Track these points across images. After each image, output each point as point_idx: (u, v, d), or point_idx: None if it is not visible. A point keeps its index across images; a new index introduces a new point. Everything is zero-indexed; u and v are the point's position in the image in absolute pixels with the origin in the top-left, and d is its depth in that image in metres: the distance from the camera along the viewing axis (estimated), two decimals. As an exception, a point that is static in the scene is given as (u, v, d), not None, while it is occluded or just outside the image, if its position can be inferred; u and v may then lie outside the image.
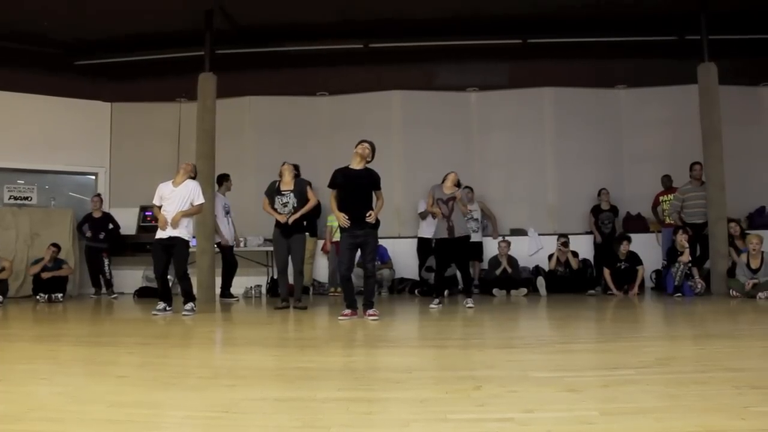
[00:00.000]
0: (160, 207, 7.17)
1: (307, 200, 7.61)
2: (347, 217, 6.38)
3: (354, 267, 6.65)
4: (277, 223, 7.53)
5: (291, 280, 7.78)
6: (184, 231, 7.10)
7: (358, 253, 6.58)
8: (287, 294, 7.67)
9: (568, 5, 9.49)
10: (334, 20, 9.93)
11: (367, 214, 6.38)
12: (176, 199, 7.11)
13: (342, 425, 2.43)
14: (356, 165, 6.53)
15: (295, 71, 11.24)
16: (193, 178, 7.37)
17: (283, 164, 7.70)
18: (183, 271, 7.12)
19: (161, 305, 7.07)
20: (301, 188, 7.60)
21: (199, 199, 7.22)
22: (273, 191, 7.58)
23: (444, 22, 10.04)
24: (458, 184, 7.62)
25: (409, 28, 10.18)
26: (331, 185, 6.59)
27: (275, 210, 7.53)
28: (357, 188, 6.45)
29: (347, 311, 6.36)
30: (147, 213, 11.04)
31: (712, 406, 2.56)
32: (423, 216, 10.06)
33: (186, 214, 7.08)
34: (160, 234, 7.09)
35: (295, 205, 7.50)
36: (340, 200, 6.51)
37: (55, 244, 9.61)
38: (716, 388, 2.88)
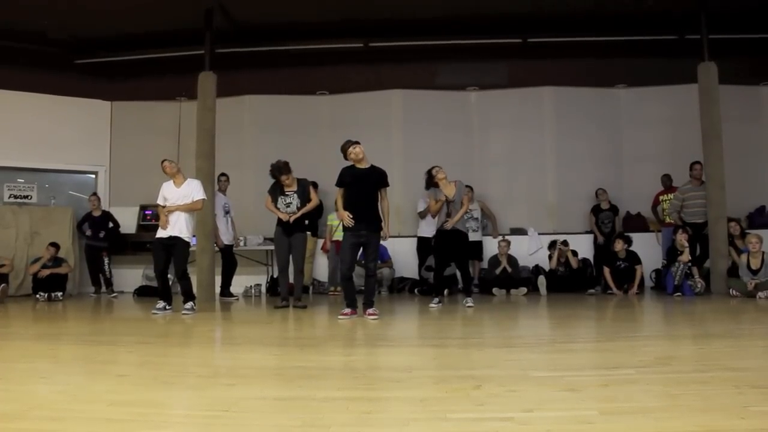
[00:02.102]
0: (164, 207, 7.18)
1: (309, 200, 7.62)
2: (351, 216, 6.40)
3: (355, 266, 6.66)
4: (279, 222, 7.54)
5: (291, 279, 7.79)
6: (184, 231, 7.11)
7: (359, 252, 6.60)
8: (287, 293, 7.67)
9: (567, 4, 9.49)
10: (334, 19, 9.93)
11: (383, 236, 6.59)
12: (180, 199, 7.16)
13: (342, 424, 2.43)
14: (360, 165, 6.55)
15: (295, 70, 11.24)
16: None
17: (283, 175, 7.51)
18: (183, 270, 7.13)
19: (161, 304, 7.07)
20: (303, 188, 7.62)
21: (199, 195, 7.23)
22: (276, 190, 7.59)
23: (444, 21, 10.04)
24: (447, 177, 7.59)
25: (409, 28, 10.17)
26: (339, 183, 6.60)
27: (278, 209, 7.54)
28: (363, 188, 6.49)
29: (347, 310, 6.36)
30: (147, 212, 11.04)
31: (712, 406, 2.56)
32: (422, 215, 10.07)
33: (181, 208, 7.08)
34: (161, 233, 7.10)
35: (299, 205, 7.51)
36: (346, 199, 6.53)
37: (53, 244, 9.60)
38: (716, 388, 2.88)
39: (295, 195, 7.54)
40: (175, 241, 7.05)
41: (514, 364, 3.72)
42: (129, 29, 10.17)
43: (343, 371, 3.66)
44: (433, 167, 7.59)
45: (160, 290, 7.24)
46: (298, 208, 7.50)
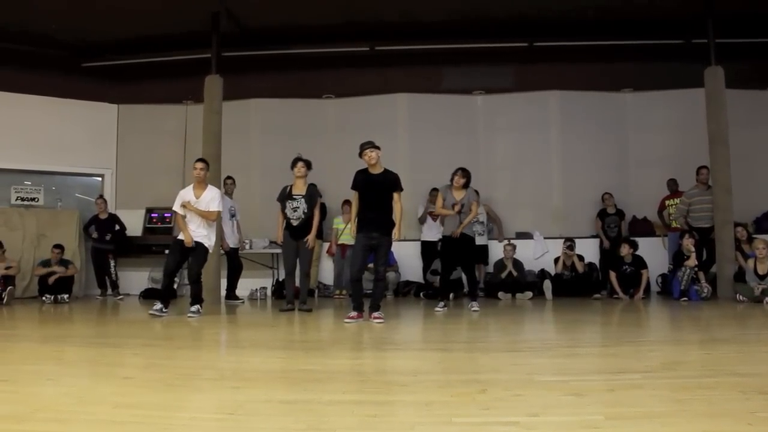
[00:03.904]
0: (184, 216, 7.13)
1: (315, 204, 7.64)
2: (363, 219, 6.45)
3: (365, 269, 6.67)
4: (288, 225, 7.54)
5: (296, 282, 7.81)
6: (205, 239, 7.14)
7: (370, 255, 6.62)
8: (293, 296, 7.68)
9: (574, 8, 9.48)
10: (340, 23, 9.95)
11: (395, 236, 6.57)
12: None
13: (347, 428, 2.43)
14: (373, 170, 6.55)
15: (301, 74, 11.27)
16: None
17: (299, 162, 7.61)
18: (197, 274, 7.15)
19: (158, 306, 6.98)
20: (311, 196, 7.63)
21: (213, 207, 7.19)
22: (285, 196, 7.60)
23: (450, 24, 10.04)
24: (466, 185, 7.58)
25: (415, 31, 10.19)
26: (354, 187, 6.60)
27: (285, 215, 7.55)
28: (376, 192, 6.50)
29: (353, 314, 6.34)
30: (153, 215, 11.07)
31: (719, 412, 2.55)
32: (422, 220, 10.12)
33: (195, 211, 7.07)
34: (183, 236, 7.10)
35: (305, 210, 7.53)
36: (360, 202, 6.56)
37: (57, 246, 9.62)
38: (723, 393, 2.87)
39: (303, 199, 7.54)
40: (195, 245, 7.08)
41: (520, 368, 3.71)
42: (136, 32, 10.23)
43: (348, 375, 3.66)
44: (459, 168, 7.60)
45: (163, 290, 7.21)
46: (305, 213, 7.52)
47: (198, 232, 7.10)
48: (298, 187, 7.61)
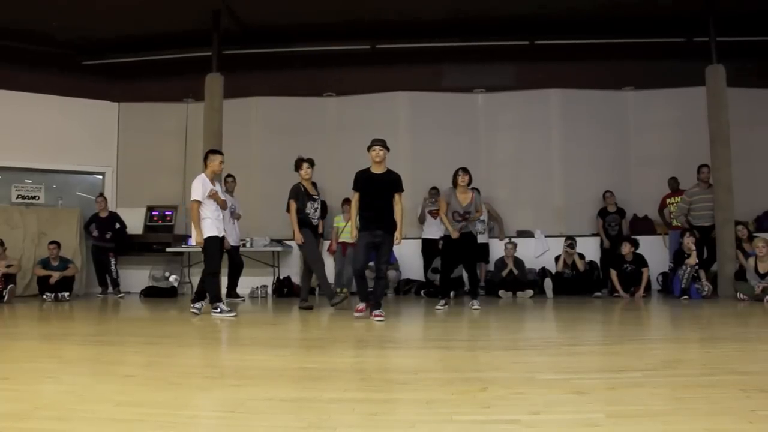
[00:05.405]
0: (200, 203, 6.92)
1: (325, 205, 7.89)
2: (368, 217, 6.49)
3: (367, 266, 6.70)
4: (307, 224, 7.59)
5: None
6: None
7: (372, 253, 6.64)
8: (330, 286, 7.93)
9: (575, 6, 9.47)
10: (341, 21, 9.95)
11: (396, 240, 6.56)
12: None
13: (348, 426, 2.43)
14: (376, 169, 6.56)
15: (302, 72, 11.25)
16: None
17: (305, 162, 7.68)
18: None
19: (225, 306, 6.87)
20: (319, 195, 7.87)
21: (223, 197, 7.33)
22: (303, 195, 7.62)
23: (451, 23, 10.03)
24: (470, 182, 7.61)
25: (416, 29, 10.18)
26: (355, 188, 6.61)
27: (307, 215, 7.58)
28: (379, 190, 6.52)
29: (361, 306, 6.44)
30: (153, 213, 11.07)
31: (720, 410, 2.55)
32: (421, 220, 10.14)
33: (219, 201, 7.04)
34: (215, 232, 6.91)
35: (321, 210, 7.83)
36: (362, 202, 6.57)
37: (53, 242, 9.61)
38: (723, 392, 2.87)
39: (319, 200, 7.76)
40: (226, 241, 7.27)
41: (521, 366, 3.72)
42: (136, 31, 10.21)
43: (349, 373, 3.67)
44: (459, 168, 7.63)
45: (218, 292, 7.05)
46: (321, 213, 7.83)
47: (225, 228, 7.23)
48: (310, 188, 7.72)
